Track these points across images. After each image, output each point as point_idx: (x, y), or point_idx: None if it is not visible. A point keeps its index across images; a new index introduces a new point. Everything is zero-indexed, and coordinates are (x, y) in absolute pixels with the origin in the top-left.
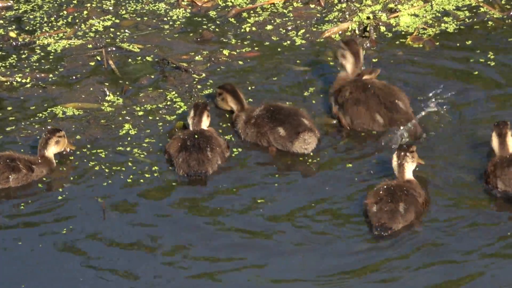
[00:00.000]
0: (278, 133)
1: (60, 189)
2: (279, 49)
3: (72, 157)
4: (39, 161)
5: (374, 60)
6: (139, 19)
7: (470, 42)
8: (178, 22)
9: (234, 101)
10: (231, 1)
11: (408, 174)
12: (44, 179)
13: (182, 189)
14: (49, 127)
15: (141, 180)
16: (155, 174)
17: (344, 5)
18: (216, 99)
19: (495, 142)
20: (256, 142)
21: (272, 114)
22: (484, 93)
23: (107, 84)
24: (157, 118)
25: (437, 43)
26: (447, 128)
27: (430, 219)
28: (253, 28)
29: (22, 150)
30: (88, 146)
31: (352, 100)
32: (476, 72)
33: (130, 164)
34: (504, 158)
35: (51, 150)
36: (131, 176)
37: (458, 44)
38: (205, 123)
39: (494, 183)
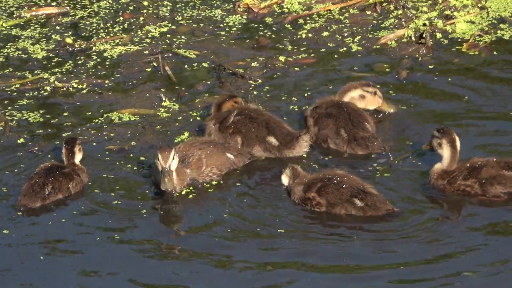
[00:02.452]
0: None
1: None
2: (335, 56)
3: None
4: (77, 168)
5: (430, 66)
6: (195, 25)
7: None
8: (234, 28)
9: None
10: (287, 8)
11: None
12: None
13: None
14: (65, 138)
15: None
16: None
17: (400, 11)
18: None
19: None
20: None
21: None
22: None
23: (163, 90)
24: None
25: (495, 52)
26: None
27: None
28: (309, 35)
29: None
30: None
31: (325, 114)
32: None
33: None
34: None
35: (78, 158)
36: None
37: None
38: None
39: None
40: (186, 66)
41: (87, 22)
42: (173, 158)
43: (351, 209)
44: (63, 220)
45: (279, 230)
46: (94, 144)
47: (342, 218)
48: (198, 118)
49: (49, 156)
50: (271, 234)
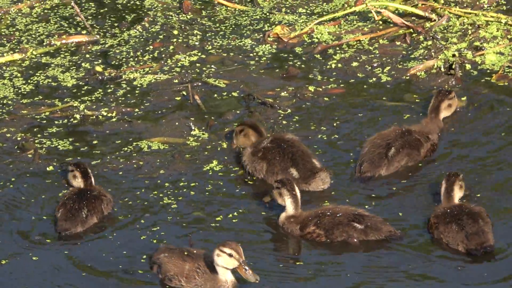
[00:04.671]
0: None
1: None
2: (364, 86)
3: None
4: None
5: (462, 99)
6: (225, 54)
7: None
8: (264, 58)
9: (255, 134)
10: (317, 38)
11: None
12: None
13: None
14: (71, 162)
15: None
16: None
17: (429, 42)
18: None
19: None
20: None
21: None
22: None
23: (193, 119)
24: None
25: None
26: None
27: None
28: (339, 65)
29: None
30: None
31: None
32: None
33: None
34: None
35: (93, 180)
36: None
37: None
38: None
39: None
40: (215, 95)
41: (117, 51)
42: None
43: (352, 233)
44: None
45: None
46: (121, 173)
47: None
48: (225, 146)
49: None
50: None
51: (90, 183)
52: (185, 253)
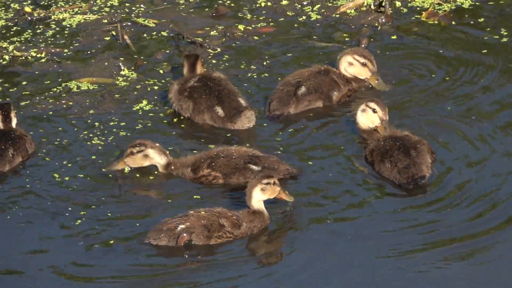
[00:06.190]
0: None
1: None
2: (295, 25)
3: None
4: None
5: (393, 37)
6: None
7: (484, 18)
8: None
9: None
10: None
11: None
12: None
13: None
14: None
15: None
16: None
17: None
18: None
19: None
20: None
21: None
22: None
23: (122, 59)
24: None
25: (453, 22)
26: None
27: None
28: (269, 3)
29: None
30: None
31: None
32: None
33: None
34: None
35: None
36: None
37: (472, 22)
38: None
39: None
40: (145, 35)
41: None
42: None
43: (249, 175)
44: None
45: None
46: (51, 113)
47: None
48: (155, 87)
49: None
50: None
51: (10, 126)
52: (202, 212)
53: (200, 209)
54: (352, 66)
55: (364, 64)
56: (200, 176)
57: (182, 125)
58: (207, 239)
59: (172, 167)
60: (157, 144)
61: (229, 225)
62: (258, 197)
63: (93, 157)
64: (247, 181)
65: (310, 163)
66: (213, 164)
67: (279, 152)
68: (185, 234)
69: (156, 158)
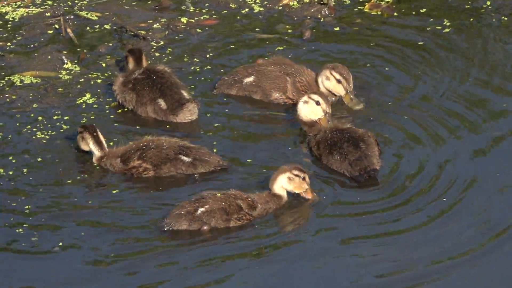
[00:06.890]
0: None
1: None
2: (238, 17)
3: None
4: None
5: (336, 29)
6: None
7: (426, 9)
8: None
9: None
10: None
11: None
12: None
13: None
14: None
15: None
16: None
17: None
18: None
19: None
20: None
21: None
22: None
23: (65, 52)
24: None
25: (395, 13)
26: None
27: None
28: None
29: None
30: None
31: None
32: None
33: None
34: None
35: None
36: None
37: (414, 13)
38: None
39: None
40: (88, 28)
41: None
42: None
43: (180, 166)
44: None
45: None
46: None
47: None
48: (99, 81)
49: None
50: None
51: None
52: (218, 194)
53: (213, 191)
54: (329, 81)
55: (339, 81)
56: (130, 167)
57: (126, 118)
58: (227, 222)
59: (104, 159)
60: (100, 135)
61: (246, 206)
62: (282, 184)
63: (38, 150)
64: (179, 172)
65: (250, 158)
66: (144, 155)
67: (215, 143)
68: (205, 227)
69: (91, 145)
